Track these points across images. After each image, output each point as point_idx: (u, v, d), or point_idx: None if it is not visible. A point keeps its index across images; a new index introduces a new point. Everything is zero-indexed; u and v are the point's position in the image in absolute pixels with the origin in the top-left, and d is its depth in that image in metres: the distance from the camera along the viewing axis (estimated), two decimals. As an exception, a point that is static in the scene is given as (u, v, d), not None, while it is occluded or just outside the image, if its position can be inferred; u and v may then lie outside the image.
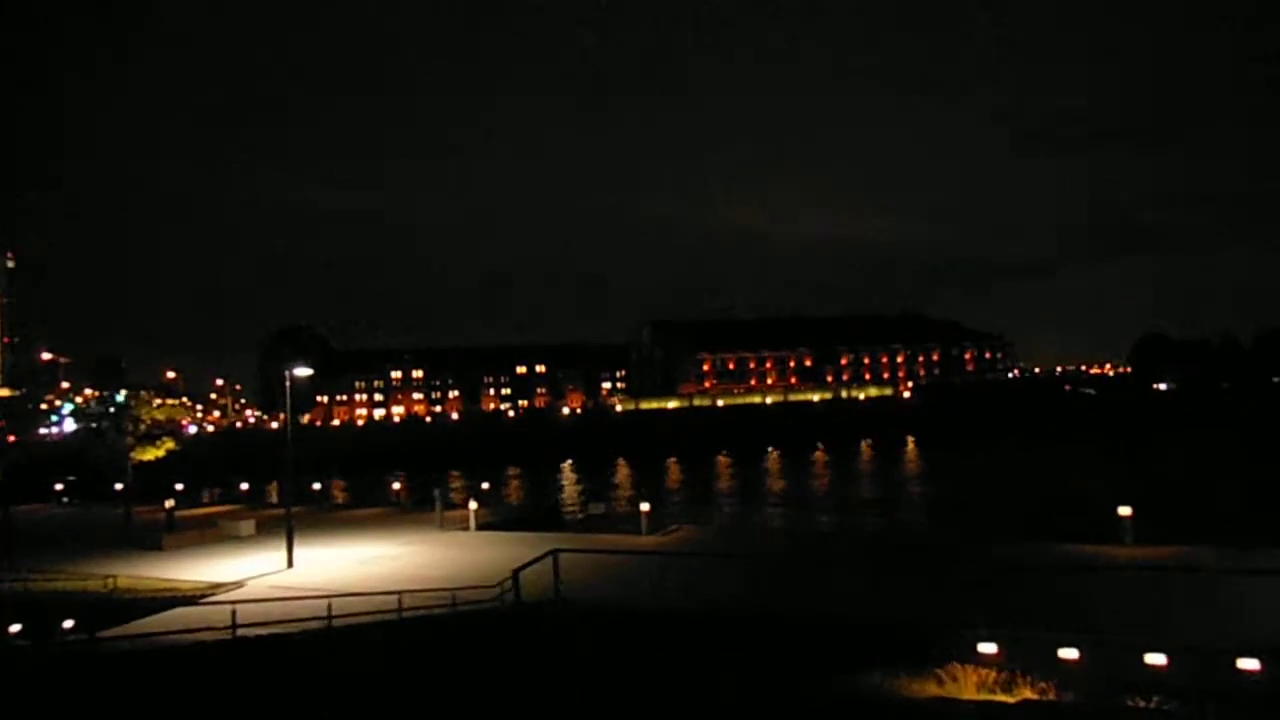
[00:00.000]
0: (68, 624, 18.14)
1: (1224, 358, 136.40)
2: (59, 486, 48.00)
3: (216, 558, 28.00)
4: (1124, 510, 22.40)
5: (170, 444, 32.57)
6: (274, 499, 56.60)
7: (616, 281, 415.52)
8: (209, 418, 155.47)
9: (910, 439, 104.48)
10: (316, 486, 45.28)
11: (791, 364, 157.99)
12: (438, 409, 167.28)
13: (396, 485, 42.97)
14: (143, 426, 32.15)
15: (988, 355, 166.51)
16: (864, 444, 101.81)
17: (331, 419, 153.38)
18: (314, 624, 17.30)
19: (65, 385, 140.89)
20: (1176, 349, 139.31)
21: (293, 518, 36.20)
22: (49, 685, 12.53)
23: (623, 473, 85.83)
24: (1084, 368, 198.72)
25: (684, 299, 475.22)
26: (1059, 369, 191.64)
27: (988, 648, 15.03)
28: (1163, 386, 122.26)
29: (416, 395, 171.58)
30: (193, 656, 15.19)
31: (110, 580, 20.64)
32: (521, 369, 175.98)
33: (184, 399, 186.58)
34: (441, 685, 13.46)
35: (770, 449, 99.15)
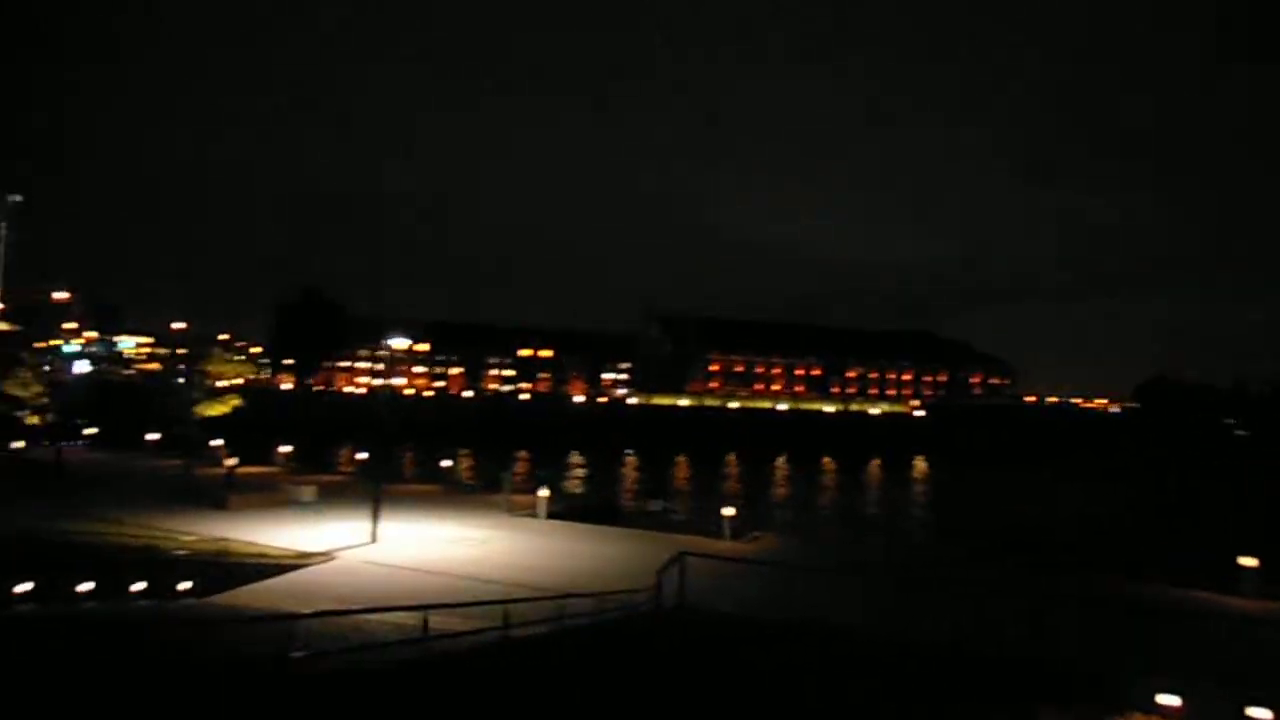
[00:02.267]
0: (183, 585, 17.38)
1: (1234, 403, 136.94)
2: (91, 430, 46.88)
3: (286, 523, 27.17)
4: (1248, 561, 21.87)
5: (236, 400, 31.68)
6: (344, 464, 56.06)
7: (615, 271, 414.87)
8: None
9: (921, 458, 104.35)
10: (363, 457, 44.41)
11: (800, 373, 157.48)
12: (439, 384, 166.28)
13: (447, 462, 42.04)
14: (211, 382, 31.25)
15: (994, 380, 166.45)
16: (875, 461, 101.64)
17: (332, 385, 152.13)
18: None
19: (71, 325, 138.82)
20: (1186, 392, 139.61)
21: (356, 489, 35.55)
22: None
23: (635, 465, 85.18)
24: (1081, 400, 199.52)
25: (682, 296, 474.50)
26: (1067, 399, 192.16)
27: (1170, 700, 14.41)
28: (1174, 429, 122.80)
29: (419, 369, 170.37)
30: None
31: (224, 543, 19.81)
32: (525, 352, 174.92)
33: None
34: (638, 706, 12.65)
35: (779, 457, 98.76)
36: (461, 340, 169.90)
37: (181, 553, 19.97)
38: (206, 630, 13.43)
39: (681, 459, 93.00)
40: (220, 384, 30.81)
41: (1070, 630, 18.05)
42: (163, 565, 18.18)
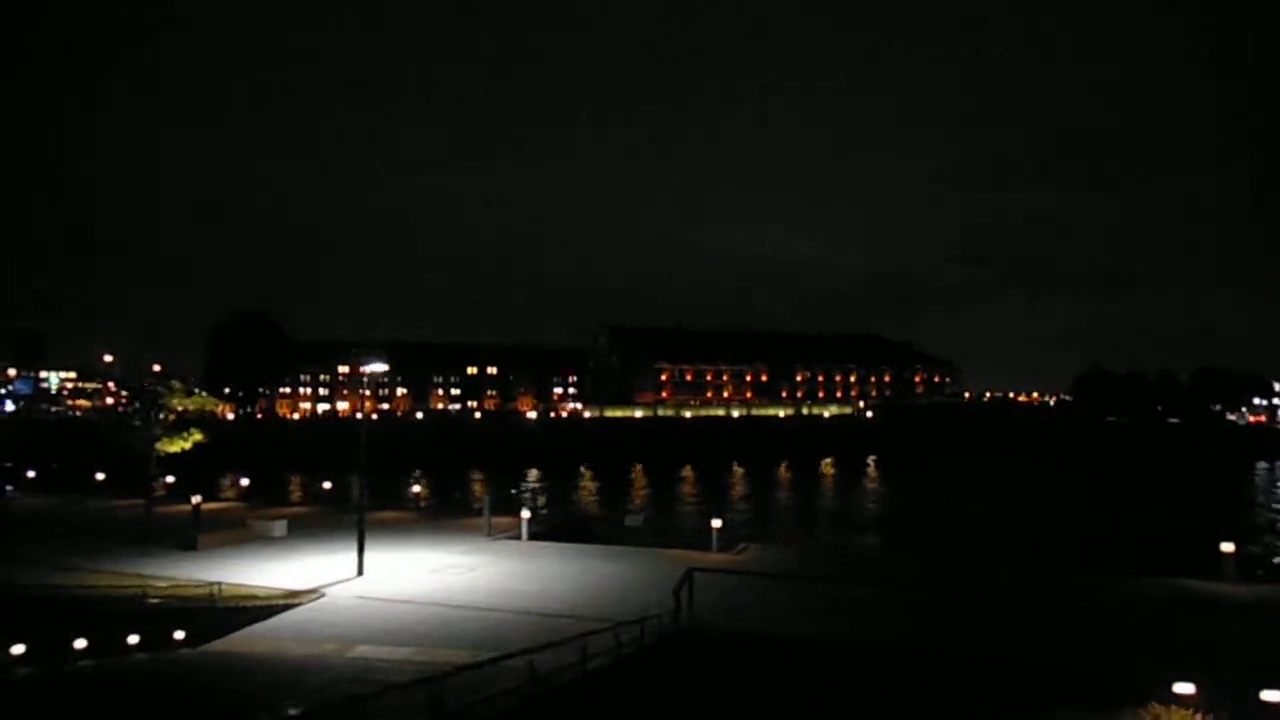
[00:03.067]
0: (178, 635, 16.55)
1: (1163, 393, 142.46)
2: (31, 474, 44.75)
3: (262, 560, 26.16)
4: (1226, 547, 22.60)
5: (198, 435, 30.46)
6: (294, 494, 54.18)
7: (553, 284, 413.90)
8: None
9: (872, 458, 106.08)
10: (327, 486, 43.15)
11: (749, 378, 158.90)
12: (384, 406, 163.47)
13: (417, 489, 41.12)
14: (172, 417, 30.02)
15: (937, 379, 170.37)
16: (826, 461, 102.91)
17: (275, 413, 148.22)
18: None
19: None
20: (1117, 383, 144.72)
21: (325, 520, 34.47)
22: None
23: (593, 480, 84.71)
24: (1020, 395, 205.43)
25: (624, 306, 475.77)
26: (1007, 395, 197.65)
27: (1185, 688, 14.72)
28: (1111, 419, 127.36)
29: (364, 391, 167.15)
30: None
31: (214, 588, 18.91)
32: (472, 369, 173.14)
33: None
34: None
35: (735, 463, 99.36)
36: (406, 360, 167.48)
37: (156, 600, 19.06)
38: (238, 680, 12.79)
39: (638, 470, 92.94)
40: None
41: (1076, 627, 18.36)
42: (150, 615, 17.30)
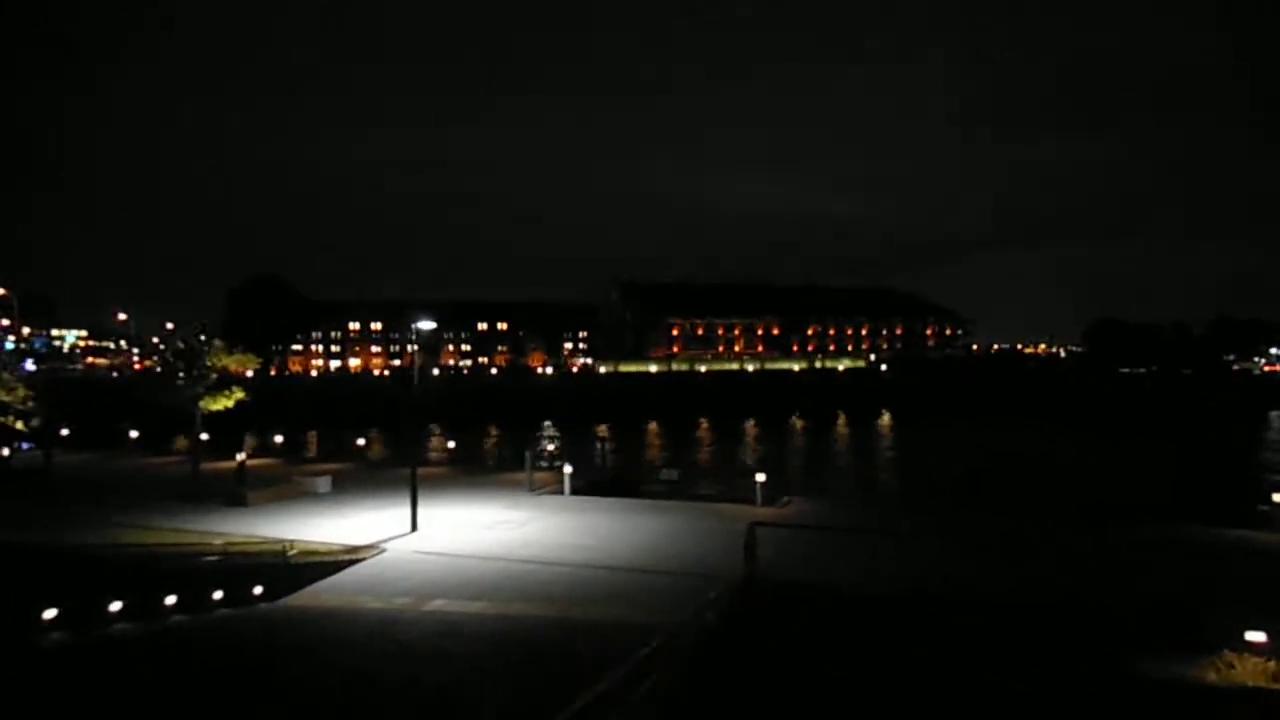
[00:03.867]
0: (257, 590, 16.75)
1: (1177, 343, 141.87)
2: (64, 432, 45.03)
3: (312, 517, 26.39)
4: (1278, 497, 22.72)
5: (240, 394, 30.53)
6: (312, 452, 54.61)
7: (565, 238, 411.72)
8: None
9: (886, 412, 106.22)
10: (361, 442, 43.37)
11: (760, 332, 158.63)
12: (396, 363, 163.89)
13: (451, 444, 41.31)
14: (214, 375, 30.06)
15: (948, 331, 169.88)
16: (841, 416, 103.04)
17: (287, 369, 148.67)
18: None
19: (5, 322, 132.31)
20: (1131, 333, 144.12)
21: (363, 476, 34.71)
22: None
23: (611, 435, 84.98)
24: (1029, 347, 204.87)
25: (635, 263, 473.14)
26: (1015, 346, 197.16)
27: (1257, 636, 14.83)
28: (1126, 370, 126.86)
29: (375, 348, 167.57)
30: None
31: (286, 544, 19.09)
32: (483, 326, 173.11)
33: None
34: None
35: (751, 418, 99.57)
36: (417, 318, 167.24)
37: (223, 557, 19.23)
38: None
39: (654, 426, 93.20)
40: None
41: (1142, 578, 18.49)
42: (224, 571, 17.49)
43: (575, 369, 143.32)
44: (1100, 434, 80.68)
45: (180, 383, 29.63)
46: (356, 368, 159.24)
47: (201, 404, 29.80)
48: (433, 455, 60.46)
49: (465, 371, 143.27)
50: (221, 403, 30.15)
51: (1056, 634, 15.69)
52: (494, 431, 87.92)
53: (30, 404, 31.43)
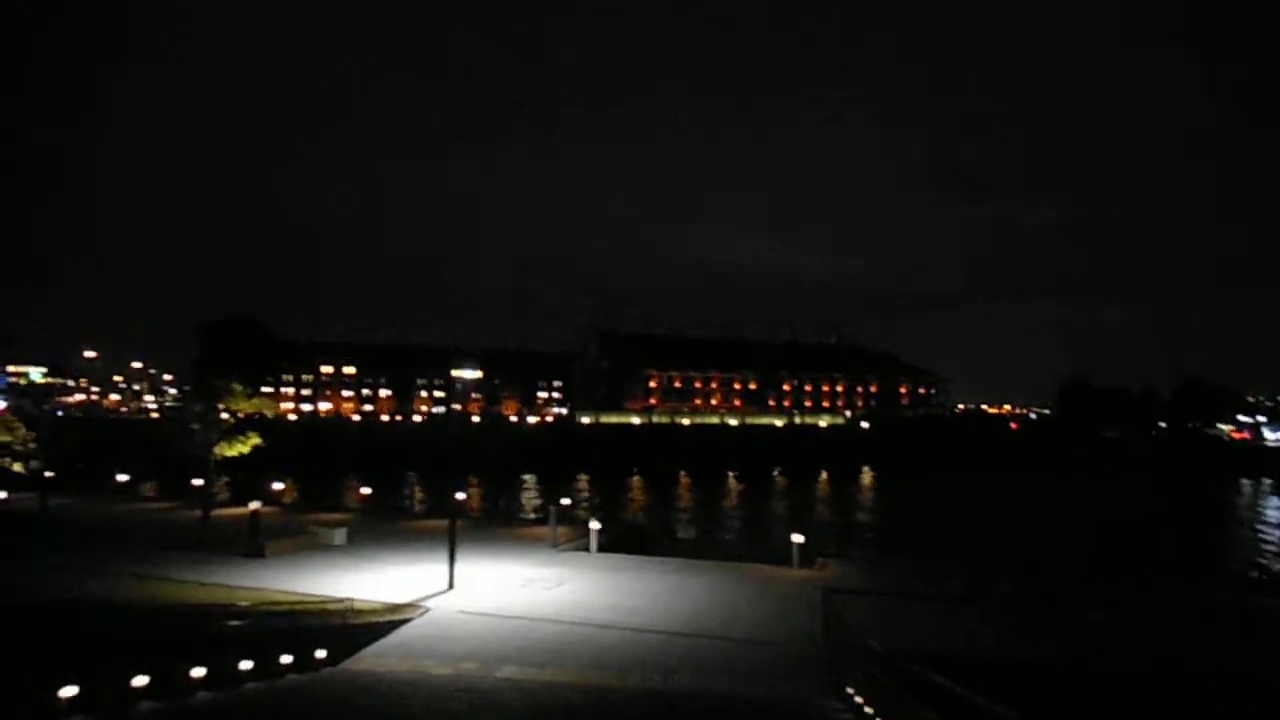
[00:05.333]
0: (320, 653, 15.82)
1: (1146, 406, 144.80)
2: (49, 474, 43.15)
3: (335, 570, 25.35)
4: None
5: (256, 439, 29.51)
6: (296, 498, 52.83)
7: (535, 288, 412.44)
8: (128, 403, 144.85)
9: (866, 469, 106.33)
10: (366, 491, 42.13)
11: (737, 386, 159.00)
12: (368, 408, 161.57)
13: (461, 496, 40.21)
14: (230, 420, 29.06)
15: (921, 391, 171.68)
16: (823, 473, 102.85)
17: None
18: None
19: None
20: (1100, 397, 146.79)
21: (371, 527, 33.60)
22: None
23: (589, 487, 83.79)
24: (990, 406, 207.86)
25: (603, 312, 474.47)
26: (978, 406, 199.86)
27: None
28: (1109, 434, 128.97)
29: (346, 392, 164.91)
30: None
31: (348, 603, 18.16)
32: (457, 372, 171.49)
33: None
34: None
35: (732, 472, 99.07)
36: (390, 362, 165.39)
37: (280, 613, 18.16)
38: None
39: (637, 479, 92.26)
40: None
41: (1217, 640, 18.30)
42: (288, 632, 16.52)
43: (550, 418, 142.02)
44: (1084, 492, 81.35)
45: (195, 427, 28.57)
46: (326, 412, 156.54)
47: (217, 449, 28.74)
48: (421, 506, 59.16)
49: (441, 418, 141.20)
50: (238, 448, 29.12)
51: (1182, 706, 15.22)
52: (474, 481, 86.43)
53: (31, 445, 30.07)
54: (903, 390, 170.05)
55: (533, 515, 52.08)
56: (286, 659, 14.56)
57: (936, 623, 19.65)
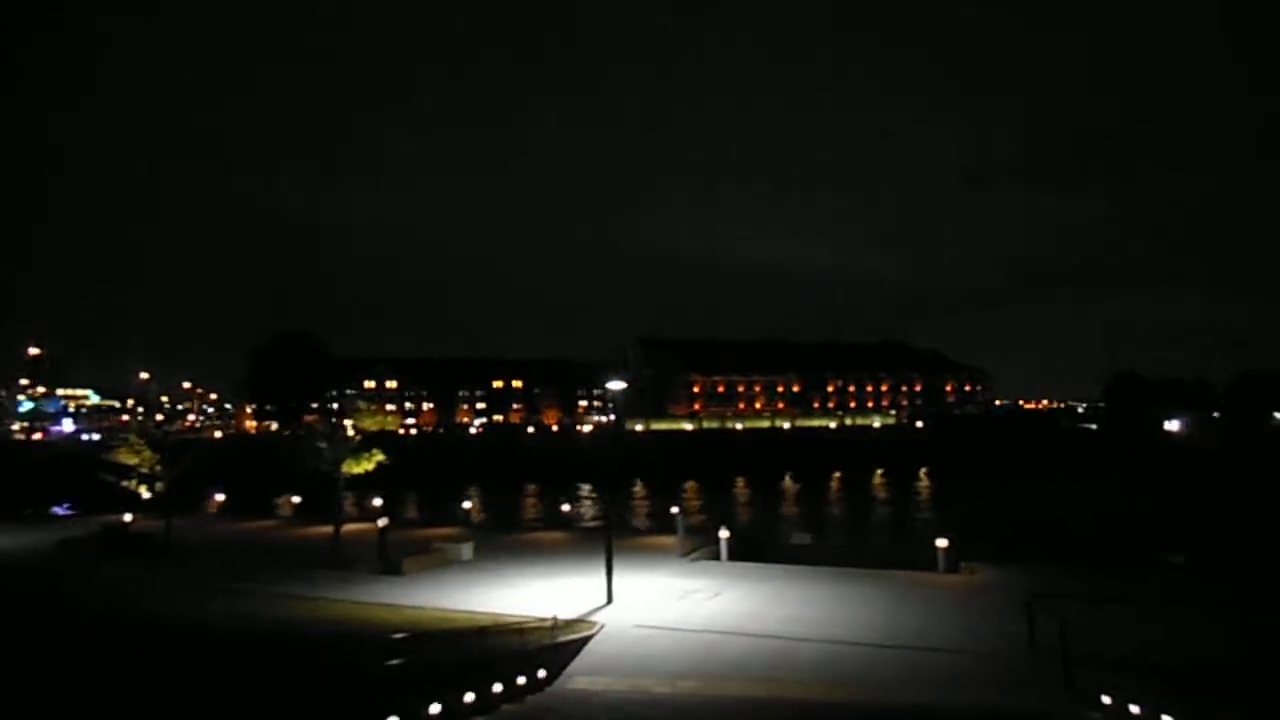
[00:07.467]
0: (541, 673, 15.48)
1: (1201, 396, 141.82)
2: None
3: (475, 586, 25.10)
4: None
5: (380, 456, 29.36)
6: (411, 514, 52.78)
7: (571, 298, 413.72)
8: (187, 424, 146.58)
9: (923, 469, 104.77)
10: (467, 505, 41.95)
11: (780, 389, 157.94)
12: (410, 421, 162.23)
13: (567, 507, 39.91)
14: (357, 438, 28.96)
15: (967, 388, 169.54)
16: (879, 473, 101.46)
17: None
18: None
19: (25, 381, 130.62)
20: (1152, 388, 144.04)
21: (481, 539, 33.33)
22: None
23: (644, 494, 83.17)
24: (1028, 403, 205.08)
25: (650, 319, 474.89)
26: (1016, 401, 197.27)
27: None
28: (1171, 426, 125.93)
29: (390, 406, 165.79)
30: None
31: (553, 620, 17.83)
32: (498, 383, 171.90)
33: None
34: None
35: (789, 475, 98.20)
36: (429, 374, 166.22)
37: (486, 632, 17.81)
38: None
39: (692, 484, 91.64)
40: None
41: None
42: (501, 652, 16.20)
43: (592, 426, 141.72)
44: (1178, 491, 78.89)
45: (322, 445, 28.47)
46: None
47: (345, 468, 28.63)
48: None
49: (503, 428, 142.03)
50: (363, 466, 28.98)
51: None
52: (532, 488, 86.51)
53: (158, 468, 30.11)
54: (948, 388, 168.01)
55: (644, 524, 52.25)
56: (521, 680, 14.19)
57: (1144, 629, 19.03)
